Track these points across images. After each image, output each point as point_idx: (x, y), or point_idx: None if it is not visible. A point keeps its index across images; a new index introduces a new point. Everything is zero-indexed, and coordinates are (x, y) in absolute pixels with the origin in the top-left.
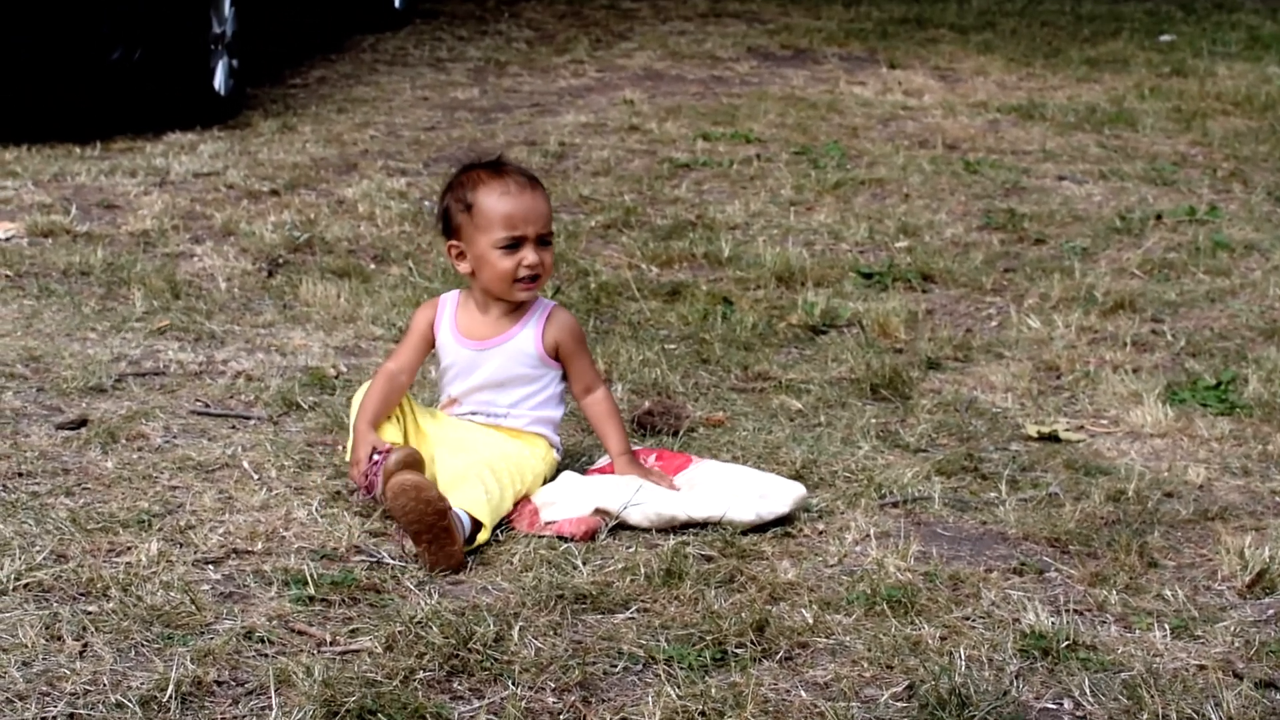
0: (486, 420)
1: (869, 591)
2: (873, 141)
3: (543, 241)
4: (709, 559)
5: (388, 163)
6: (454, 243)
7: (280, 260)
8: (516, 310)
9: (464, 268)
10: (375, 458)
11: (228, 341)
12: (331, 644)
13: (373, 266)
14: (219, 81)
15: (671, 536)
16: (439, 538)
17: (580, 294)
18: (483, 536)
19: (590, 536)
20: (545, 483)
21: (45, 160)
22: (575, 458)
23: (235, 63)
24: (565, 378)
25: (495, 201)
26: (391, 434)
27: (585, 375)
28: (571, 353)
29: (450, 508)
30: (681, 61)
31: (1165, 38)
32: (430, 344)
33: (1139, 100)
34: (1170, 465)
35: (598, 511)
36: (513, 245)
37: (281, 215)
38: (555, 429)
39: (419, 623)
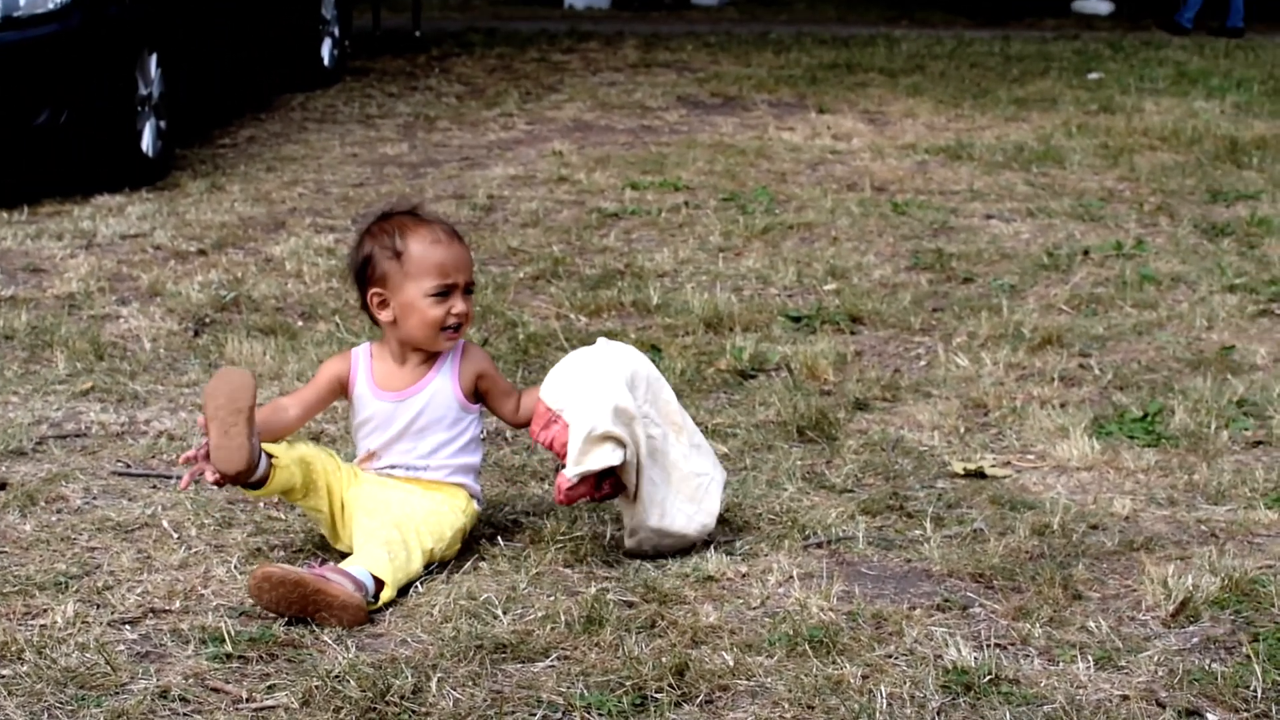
0: (406, 474)
1: (791, 633)
2: (801, 186)
3: (467, 290)
4: (630, 604)
5: (316, 220)
6: (377, 290)
7: (206, 320)
8: (431, 358)
9: (385, 316)
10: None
11: (151, 402)
12: (248, 700)
13: (300, 324)
14: (146, 143)
15: (592, 584)
16: (317, 602)
17: (508, 345)
18: (386, 595)
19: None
20: (464, 536)
21: None
22: (498, 508)
23: (163, 124)
24: (492, 409)
25: (427, 249)
26: (317, 503)
27: (510, 394)
28: (493, 378)
29: (304, 575)
30: (611, 112)
31: (1093, 75)
32: (333, 395)
33: (1066, 138)
34: (1096, 498)
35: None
36: (443, 293)
37: (209, 275)
38: (476, 477)
39: (336, 677)
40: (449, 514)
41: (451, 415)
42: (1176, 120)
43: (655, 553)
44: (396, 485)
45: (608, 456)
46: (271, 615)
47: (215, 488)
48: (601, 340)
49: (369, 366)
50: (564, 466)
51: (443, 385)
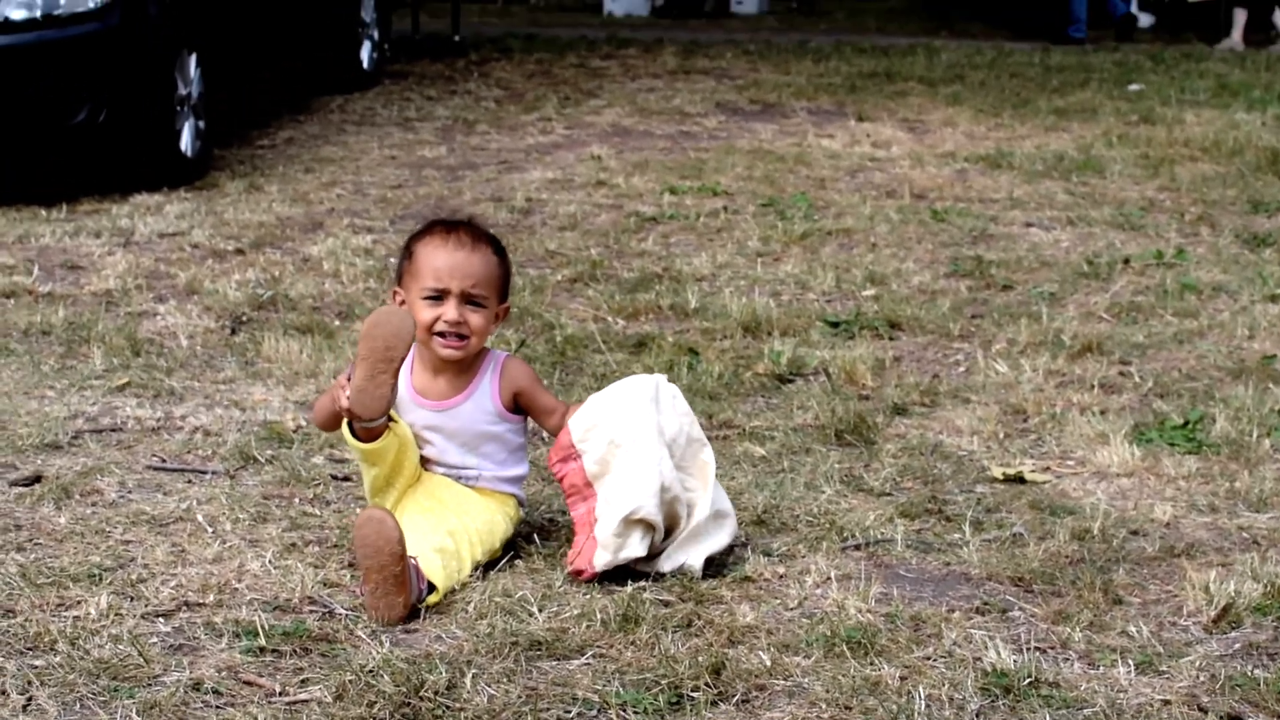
0: (459, 480)
1: (828, 633)
2: (840, 192)
3: (472, 302)
4: (666, 604)
5: (354, 220)
6: (397, 289)
7: (243, 318)
8: (469, 369)
9: None
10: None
11: (187, 398)
12: (281, 694)
13: (337, 323)
14: (185, 143)
15: (629, 583)
16: (387, 583)
17: (546, 347)
18: (432, 599)
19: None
20: (506, 542)
21: (10, 223)
22: (535, 506)
23: (202, 124)
24: (533, 420)
25: (430, 253)
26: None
27: (553, 411)
28: (532, 394)
29: (406, 557)
30: (650, 118)
31: (1134, 87)
32: None
33: (1107, 148)
34: (1136, 504)
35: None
36: (435, 297)
37: (246, 274)
38: (522, 485)
39: (370, 671)
40: (502, 524)
41: (495, 427)
42: (1218, 131)
43: None
44: (452, 485)
45: (637, 548)
46: (307, 609)
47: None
48: (647, 378)
49: (408, 372)
50: (568, 509)
51: (481, 400)
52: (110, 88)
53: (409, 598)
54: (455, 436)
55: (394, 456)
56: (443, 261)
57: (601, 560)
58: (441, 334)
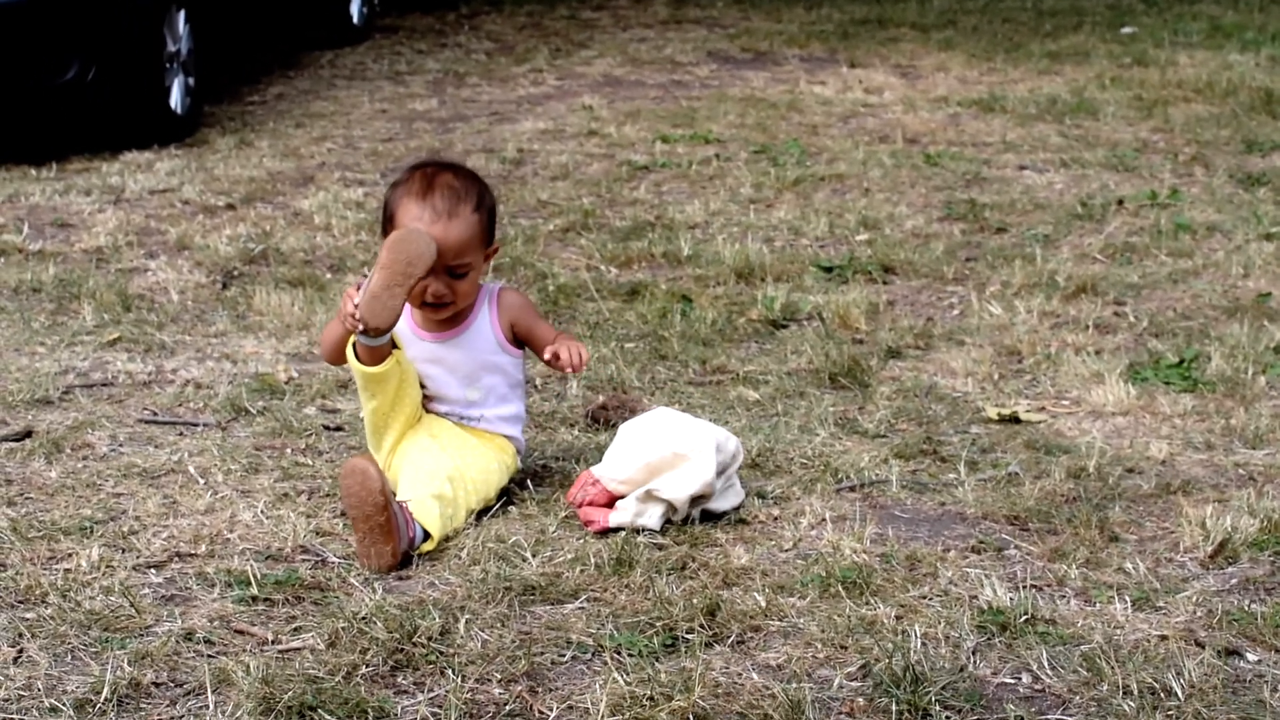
0: (459, 423)
1: (823, 574)
2: (833, 138)
3: (453, 273)
4: (660, 547)
5: (345, 174)
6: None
7: (235, 272)
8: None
9: None
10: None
11: (178, 351)
12: (273, 643)
13: (329, 276)
14: (175, 100)
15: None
16: (374, 532)
17: (539, 296)
18: (427, 547)
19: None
20: (500, 491)
21: (0, 182)
22: (528, 453)
23: (191, 81)
24: (530, 349)
25: (408, 224)
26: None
27: (545, 336)
28: (530, 324)
29: (390, 505)
30: (641, 67)
31: (1127, 30)
32: None
33: (1100, 90)
34: (1132, 442)
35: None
36: None
37: (237, 229)
38: (522, 428)
39: (363, 619)
40: (498, 472)
41: (495, 357)
42: (1211, 73)
43: None
44: (453, 429)
45: (654, 520)
46: (299, 558)
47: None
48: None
49: (408, 308)
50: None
51: (482, 327)
52: (99, 45)
53: (397, 545)
54: (457, 369)
55: (395, 387)
56: None
57: (616, 520)
58: (429, 304)
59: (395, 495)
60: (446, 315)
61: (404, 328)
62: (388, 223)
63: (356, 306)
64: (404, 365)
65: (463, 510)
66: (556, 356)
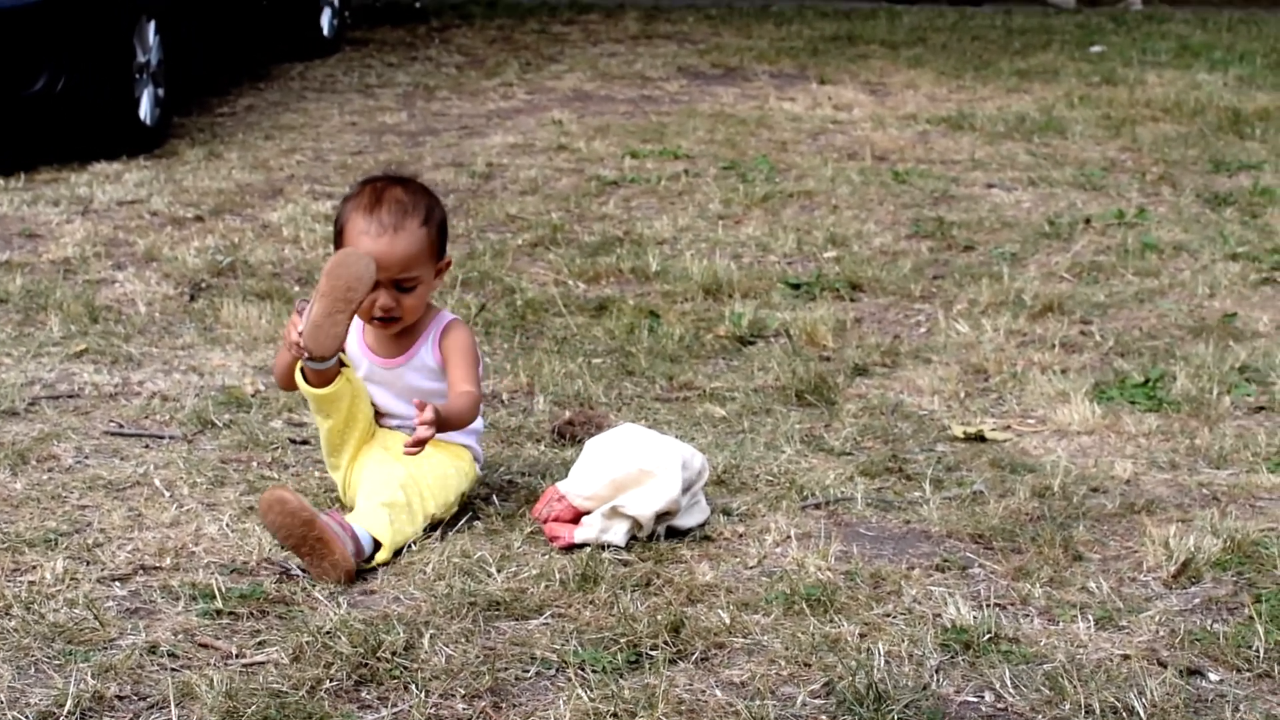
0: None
1: (788, 591)
2: (801, 155)
3: (400, 286)
4: (625, 563)
5: (314, 187)
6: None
7: (202, 284)
8: (413, 330)
9: None
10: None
11: (145, 363)
12: (237, 656)
13: (296, 288)
14: (145, 111)
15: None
16: (315, 549)
17: (506, 310)
18: (381, 557)
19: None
20: (462, 497)
21: None
22: (493, 468)
23: (161, 92)
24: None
25: (355, 239)
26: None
27: (455, 377)
28: (449, 359)
29: (317, 518)
30: (611, 82)
31: (1096, 49)
32: None
33: (1068, 109)
34: (1097, 461)
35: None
36: None
37: (205, 240)
38: (478, 439)
39: (327, 633)
40: (455, 477)
41: (437, 384)
42: (1179, 92)
43: None
44: (405, 438)
45: (618, 537)
46: (264, 572)
47: (296, 356)
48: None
49: (360, 327)
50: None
51: (425, 358)
52: (68, 55)
53: (343, 548)
54: (402, 394)
55: (348, 406)
56: (367, 250)
57: (581, 536)
58: (377, 318)
59: (339, 507)
60: (395, 330)
61: (354, 346)
62: (338, 235)
63: (300, 334)
64: (354, 383)
65: (420, 515)
66: (420, 406)
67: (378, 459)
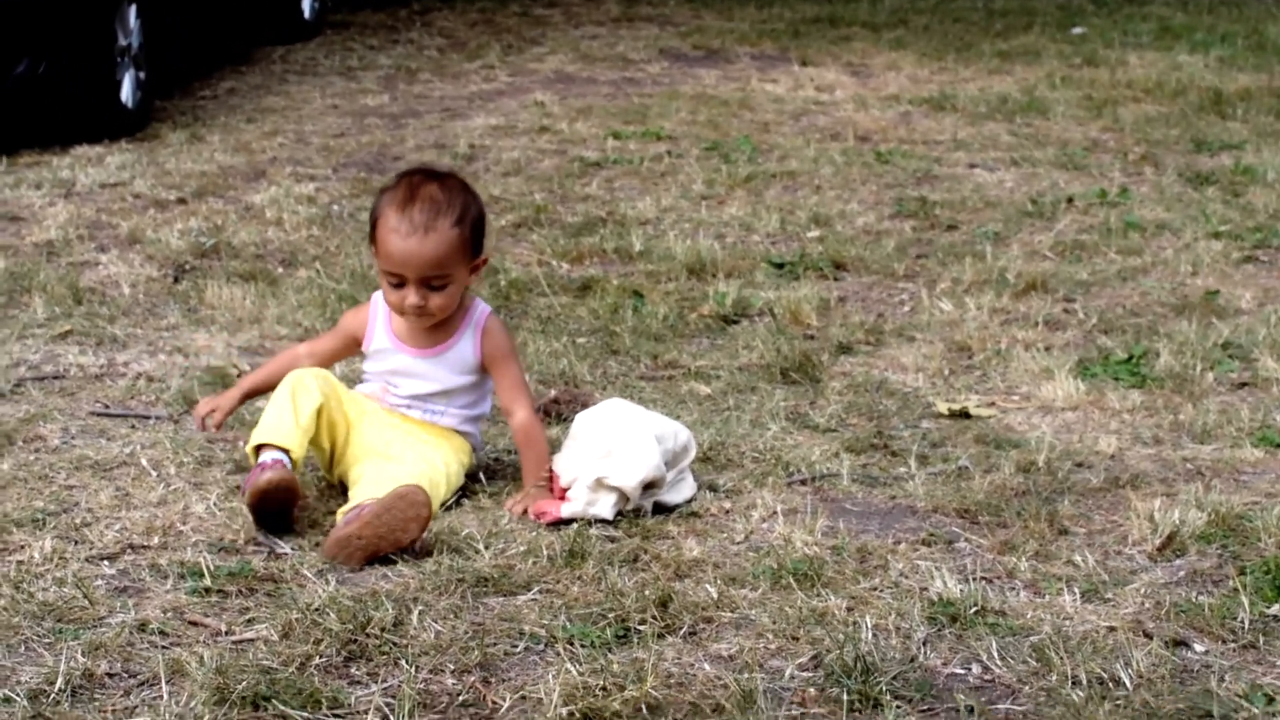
0: (422, 416)
1: (775, 566)
2: (784, 135)
3: (430, 285)
4: (612, 539)
5: (296, 169)
6: (374, 248)
7: (186, 266)
8: (448, 323)
9: None
10: (260, 461)
11: (130, 345)
12: (227, 633)
13: (280, 270)
14: (126, 94)
15: (575, 519)
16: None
17: (490, 291)
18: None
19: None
20: (452, 490)
21: None
22: (482, 445)
23: (143, 75)
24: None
25: (386, 235)
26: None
27: (506, 393)
28: (495, 367)
29: (370, 531)
30: (593, 64)
31: (1077, 30)
32: (348, 349)
33: (1050, 89)
34: (1081, 437)
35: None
36: (397, 284)
37: (188, 222)
38: (479, 425)
39: (316, 610)
40: (458, 473)
41: (474, 377)
42: (1160, 73)
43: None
44: (409, 429)
45: (605, 510)
46: (251, 550)
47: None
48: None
49: (388, 317)
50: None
51: (464, 350)
52: (50, 39)
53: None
54: (434, 383)
55: (326, 444)
56: (396, 248)
57: (569, 511)
58: (410, 313)
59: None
60: (429, 325)
61: (384, 341)
62: (372, 229)
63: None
64: (299, 450)
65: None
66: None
67: (386, 453)
